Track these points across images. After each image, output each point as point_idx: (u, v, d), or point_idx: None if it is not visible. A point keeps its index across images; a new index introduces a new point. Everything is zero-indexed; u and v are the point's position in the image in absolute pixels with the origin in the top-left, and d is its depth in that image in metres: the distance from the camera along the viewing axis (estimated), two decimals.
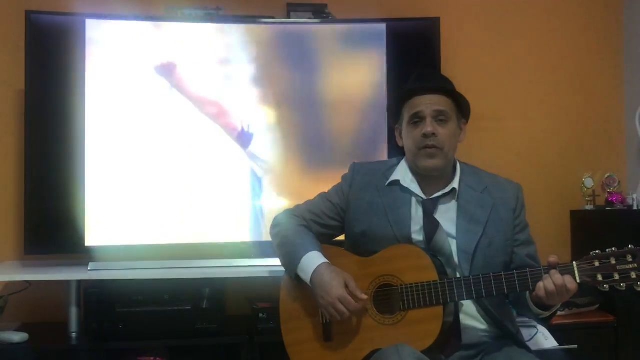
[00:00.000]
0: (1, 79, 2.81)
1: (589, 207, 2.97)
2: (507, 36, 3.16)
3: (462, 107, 1.93)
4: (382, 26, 2.79)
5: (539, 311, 1.78)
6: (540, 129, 3.16)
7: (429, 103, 1.86)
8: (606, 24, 3.23)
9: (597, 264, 1.67)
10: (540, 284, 1.68)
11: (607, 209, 2.92)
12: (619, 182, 2.97)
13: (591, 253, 1.69)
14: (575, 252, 2.97)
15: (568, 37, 3.21)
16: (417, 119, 1.87)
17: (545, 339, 2.30)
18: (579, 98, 3.19)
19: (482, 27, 3.15)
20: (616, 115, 3.22)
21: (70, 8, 2.67)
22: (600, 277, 1.66)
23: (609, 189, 2.95)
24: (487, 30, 3.15)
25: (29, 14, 2.60)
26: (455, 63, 2.94)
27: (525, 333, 2.11)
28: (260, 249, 2.58)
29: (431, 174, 1.90)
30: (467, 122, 1.98)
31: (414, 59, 2.78)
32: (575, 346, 2.41)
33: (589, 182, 2.96)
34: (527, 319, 2.37)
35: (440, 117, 1.86)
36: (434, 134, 1.84)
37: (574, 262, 1.69)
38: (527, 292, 1.76)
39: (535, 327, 2.37)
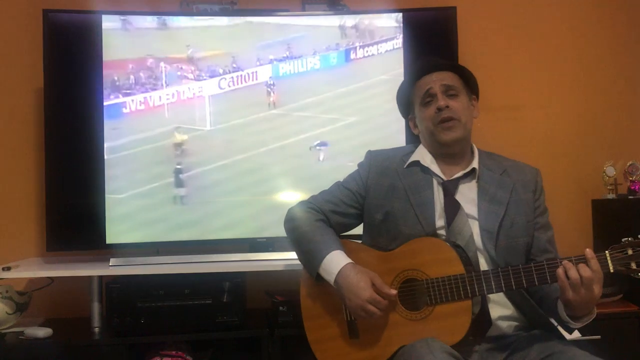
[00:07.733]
0: (20, 78, 2.84)
1: (611, 195, 2.92)
2: (525, 25, 3.12)
3: (469, 83, 1.95)
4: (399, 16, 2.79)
5: (568, 319, 1.71)
6: (561, 117, 3.12)
7: (436, 79, 1.90)
8: (628, 11, 3.17)
9: (630, 251, 1.62)
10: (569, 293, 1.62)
11: (630, 197, 2.87)
12: None
13: (622, 240, 1.64)
14: (597, 241, 2.93)
15: (588, 24, 3.15)
16: (429, 98, 1.89)
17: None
18: (600, 85, 3.14)
19: (499, 16, 3.11)
20: (638, 102, 3.17)
21: (87, 5, 2.69)
22: (634, 265, 1.62)
23: (631, 177, 2.90)
24: (504, 19, 3.11)
25: (46, 13, 2.62)
26: (473, 53, 2.91)
27: None
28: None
29: (452, 149, 1.89)
30: (477, 98, 1.99)
31: (431, 49, 2.75)
32: (598, 337, 2.38)
33: (610, 171, 2.92)
34: None
35: (450, 92, 1.89)
36: (447, 106, 1.86)
37: (607, 252, 1.63)
38: (558, 299, 1.70)
39: None
